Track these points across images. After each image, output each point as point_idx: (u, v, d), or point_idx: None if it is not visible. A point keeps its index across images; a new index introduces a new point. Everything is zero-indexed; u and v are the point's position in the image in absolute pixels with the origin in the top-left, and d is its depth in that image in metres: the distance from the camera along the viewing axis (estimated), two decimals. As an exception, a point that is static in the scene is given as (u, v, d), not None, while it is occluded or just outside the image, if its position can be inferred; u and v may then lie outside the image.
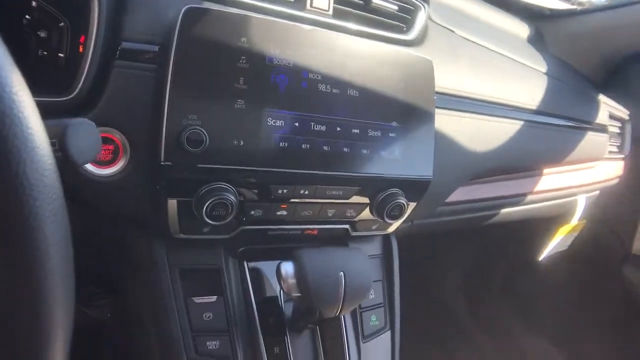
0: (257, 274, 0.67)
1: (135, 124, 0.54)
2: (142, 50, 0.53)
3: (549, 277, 1.43)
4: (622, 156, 1.21)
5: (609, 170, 1.19)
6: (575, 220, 1.17)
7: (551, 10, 1.28)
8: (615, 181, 1.21)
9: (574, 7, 1.28)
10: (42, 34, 0.60)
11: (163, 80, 0.51)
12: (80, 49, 0.61)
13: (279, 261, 0.57)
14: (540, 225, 1.21)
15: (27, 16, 0.59)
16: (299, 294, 0.55)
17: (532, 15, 1.28)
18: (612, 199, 1.24)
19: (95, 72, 0.51)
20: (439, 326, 1.58)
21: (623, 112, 1.21)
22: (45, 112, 0.30)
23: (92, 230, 0.64)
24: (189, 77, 0.52)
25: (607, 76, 1.29)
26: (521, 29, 1.22)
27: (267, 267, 0.68)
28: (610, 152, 1.17)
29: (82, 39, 0.61)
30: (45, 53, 0.61)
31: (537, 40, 1.25)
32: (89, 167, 0.54)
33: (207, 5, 0.56)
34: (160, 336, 0.62)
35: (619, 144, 1.21)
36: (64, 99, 0.50)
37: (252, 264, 0.68)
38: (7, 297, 0.26)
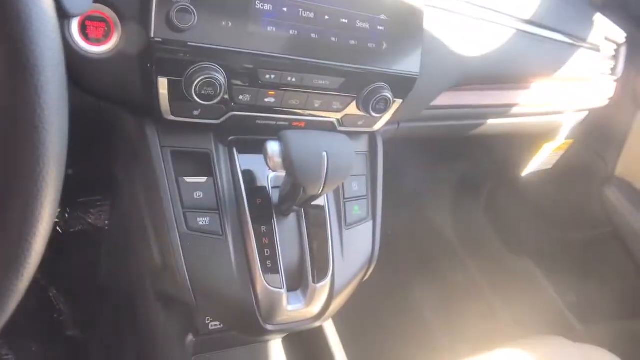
0: (246, 163, 0.71)
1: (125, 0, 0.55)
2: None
3: (531, 197, 1.47)
4: (615, 78, 1.22)
5: (600, 91, 1.21)
6: (561, 139, 1.20)
7: None
8: (605, 103, 1.23)
9: None
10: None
11: None
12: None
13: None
14: (524, 143, 1.24)
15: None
16: (284, 171, 0.58)
17: None
18: (600, 120, 1.26)
19: None
20: (429, 245, 1.65)
21: (619, 34, 1.20)
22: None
23: (85, 116, 0.67)
24: (178, -46, 0.53)
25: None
26: None
27: (256, 159, 0.71)
28: (602, 73, 1.18)
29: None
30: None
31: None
32: (82, 43, 0.55)
33: None
34: (153, 213, 0.66)
35: (612, 66, 1.22)
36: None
37: (242, 155, 0.71)
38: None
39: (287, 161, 0.57)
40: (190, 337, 0.83)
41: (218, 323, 0.82)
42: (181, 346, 0.83)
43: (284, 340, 0.92)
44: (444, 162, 1.54)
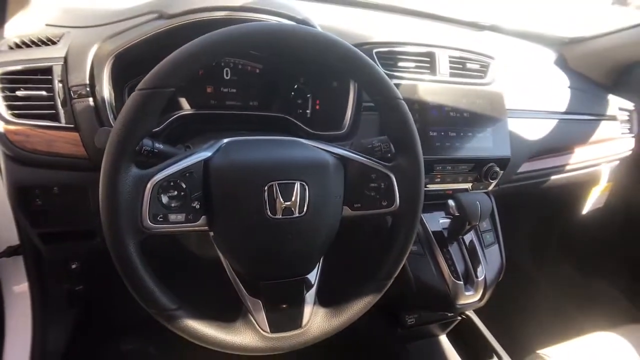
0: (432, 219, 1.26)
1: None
2: (372, 106, 1.13)
3: (594, 228, 1.94)
4: (632, 135, 1.76)
5: (624, 146, 1.74)
6: (603, 183, 1.72)
7: (570, 37, 1.85)
8: (629, 153, 1.75)
9: (586, 34, 1.84)
10: (300, 101, 1.23)
11: None
12: (317, 107, 1.23)
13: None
14: (578, 189, 1.75)
15: (292, 93, 1.22)
16: (458, 214, 1.12)
17: (554, 42, 1.86)
18: (630, 166, 1.78)
19: (354, 118, 1.11)
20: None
21: (629, 105, 1.75)
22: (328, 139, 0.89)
23: None
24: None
25: (615, 80, 1.83)
26: (548, 54, 1.80)
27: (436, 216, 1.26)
28: (623, 133, 1.72)
29: (317, 102, 1.23)
30: (300, 112, 1.23)
31: (560, 61, 1.82)
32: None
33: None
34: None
35: (629, 127, 1.75)
36: (339, 132, 1.11)
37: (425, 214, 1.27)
38: None
39: (461, 209, 1.11)
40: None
41: (413, 320, 1.34)
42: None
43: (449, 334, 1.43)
44: (523, 211, 2.05)
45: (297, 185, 0.73)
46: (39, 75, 0.92)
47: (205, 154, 0.73)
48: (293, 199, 0.73)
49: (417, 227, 0.85)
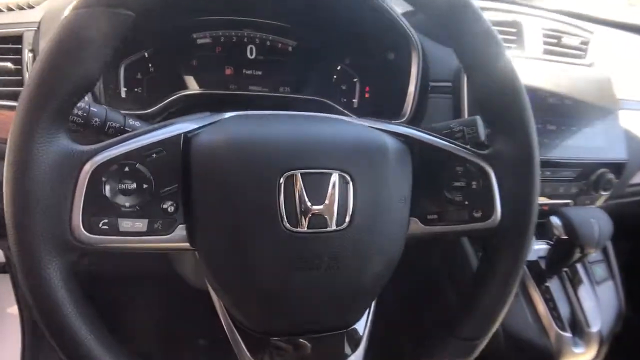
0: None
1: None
2: (443, 86, 0.84)
3: None
4: None
5: None
6: None
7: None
8: None
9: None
10: (344, 87, 0.94)
11: (459, 102, 0.82)
12: (366, 95, 0.95)
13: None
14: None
15: (334, 76, 0.94)
16: (566, 237, 0.80)
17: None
18: None
19: (417, 102, 0.82)
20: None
21: None
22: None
23: None
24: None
25: None
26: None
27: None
28: None
29: (367, 89, 0.94)
30: (345, 100, 0.95)
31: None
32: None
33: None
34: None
35: None
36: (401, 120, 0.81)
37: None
38: None
39: (570, 230, 0.79)
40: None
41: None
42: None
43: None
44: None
45: (335, 178, 0.45)
46: (9, 44, 0.76)
47: (188, 126, 0.45)
48: (328, 200, 0.44)
49: (527, 254, 0.54)
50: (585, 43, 0.99)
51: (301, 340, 0.50)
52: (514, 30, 0.93)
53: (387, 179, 0.47)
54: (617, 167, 0.93)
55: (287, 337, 0.50)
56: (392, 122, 0.55)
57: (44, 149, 0.39)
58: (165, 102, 0.77)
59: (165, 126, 0.45)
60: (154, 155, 0.43)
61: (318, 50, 0.92)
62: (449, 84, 0.83)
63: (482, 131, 0.60)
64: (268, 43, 0.92)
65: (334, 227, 0.44)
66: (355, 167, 0.45)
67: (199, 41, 0.88)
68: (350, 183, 0.45)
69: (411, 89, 0.80)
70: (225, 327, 0.50)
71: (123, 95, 0.83)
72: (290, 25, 0.91)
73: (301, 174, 0.43)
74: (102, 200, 0.42)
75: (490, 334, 0.55)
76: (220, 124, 0.47)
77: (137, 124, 0.54)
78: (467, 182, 0.52)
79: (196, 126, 0.46)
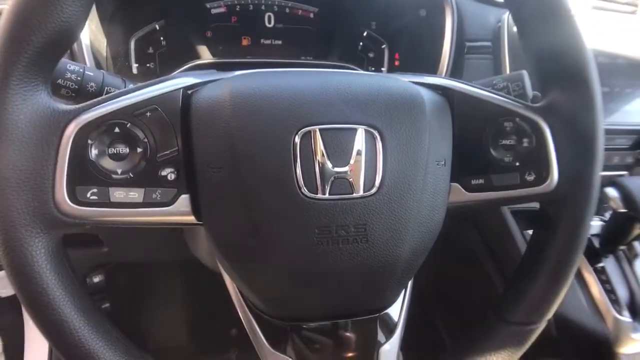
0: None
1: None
2: (480, 45, 0.75)
3: None
4: None
5: None
6: None
7: None
8: None
9: None
10: (371, 55, 0.87)
11: (500, 63, 0.73)
12: (396, 63, 0.87)
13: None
14: None
15: (360, 43, 0.86)
16: (626, 209, 0.71)
17: None
18: None
19: (453, 64, 0.74)
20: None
21: None
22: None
23: None
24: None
25: None
26: None
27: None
28: None
29: (396, 56, 0.86)
30: (373, 70, 0.87)
31: None
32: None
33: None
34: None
35: None
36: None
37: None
38: None
39: (630, 201, 0.70)
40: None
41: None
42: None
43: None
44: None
45: (361, 135, 0.38)
46: None
47: (188, 81, 0.39)
48: (352, 161, 0.37)
49: (589, 225, 0.46)
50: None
51: (327, 326, 0.44)
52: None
53: (423, 136, 0.40)
54: (679, 133, 0.83)
55: (310, 324, 0.44)
56: (429, 74, 0.48)
57: (18, 107, 0.33)
58: (176, 72, 0.71)
59: (161, 81, 0.39)
60: (148, 114, 0.37)
61: (342, 15, 0.85)
62: (488, 43, 0.75)
63: (529, 86, 0.52)
64: (287, 10, 0.85)
65: (360, 193, 0.37)
66: (384, 122, 0.38)
67: (214, 11, 0.82)
68: (380, 140, 0.38)
69: (445, 49, 0.73)
70: (240, 315, 0.44)
71: (134, 71, 0.78)
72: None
73: (320, 130, 0.37)
74: (89, 166, 0.36)
75: (547, 317, 0.48)
76: (225, 80, 0.40)
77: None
78: (518, 140, 0.44)
79: (198, 81, 0.40)
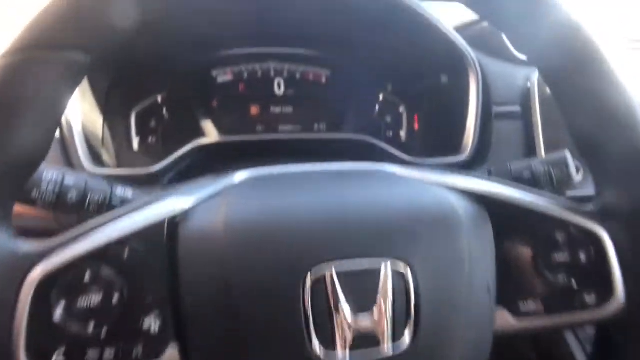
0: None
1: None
2: (509, 111, 0.68)
3: None
4: None
5: None
6: None
7: None
8: None
9: None
10: (388, 119, 0.81)
11: (532, 130, 0.66)
12: (416, 127, 0.80)
13: None
14: None
15: (376, 107, 0.80)
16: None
17: None
18: None
19: (480, 132, 0.66)
20: None
21: None
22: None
23: None
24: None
25: None
26: None
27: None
28: None
29: (415, 117, 0.80)
30: (391, 134, 0.81)
31: None
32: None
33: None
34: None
35: None
36: (458, 159, 0.66)
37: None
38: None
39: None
40: None
41: None
42: None
43: None
44: None
45: (387, 271, 0.30)
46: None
47: (176, 206, 0.33)
48: (377, 307, 0.30)
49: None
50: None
51: None
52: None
53: (462, 263, 0.33)
54: None
55: None
56: (457, 170, 0.41)
57: None
58: (176, 156, 0.65)
59: (145, 205, 0.32)
60: (125, 253, 0.31)
61: (356, 78, 0.79)
62: (517, 107, 0.68)
63: (574, 171, 0.45)
64: (298, 75, 0.80)
65: (389, 349, 0.30)
66: (414, 251, 0.31)
67: (220, 79, 0.77)
68: (410, 275, 0.31)
69: (471, 117, 0.65)
70: None
71: (135, 147, 0.73)
72: (322, 53, 0.79)
73: (336, 268, 0.30)
74: (53, 326, 0.29)
75: None
76: (222, 196, 0.34)
77: (129, 194, 0.42)
78: (572, 254, 0.37)
79: (188, 205, 0.33)
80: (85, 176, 0.41)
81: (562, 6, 0.35)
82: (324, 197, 0.34)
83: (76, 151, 0.58)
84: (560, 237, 0.37)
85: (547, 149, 0.64)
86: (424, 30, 0.63)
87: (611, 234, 0.37)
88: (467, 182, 0.38)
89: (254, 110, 0.79)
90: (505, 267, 0.36)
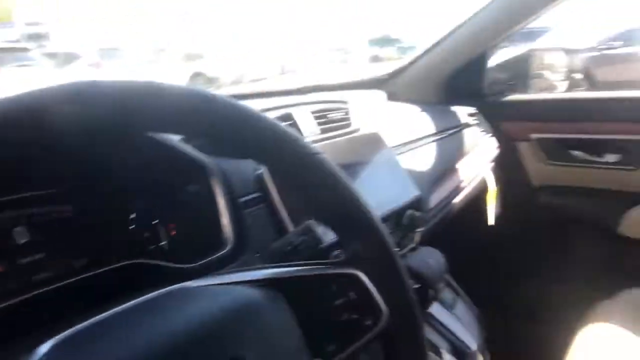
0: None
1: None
2: (252, 198, 0.81)
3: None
4: (490, 134, 1.73)
5: (490, 146, 1.70)
6: (492, 188, 1.62)
7: (388, 73, 1.81)
8: (497, 152, 1.71)
9: (404, 63, 1.81)
10: (147, 234, 0.84)
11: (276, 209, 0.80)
12: (173, 233, 0.86)
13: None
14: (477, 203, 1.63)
15: (130, 227, 0.83)
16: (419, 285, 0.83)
17: (378, 83, 1.79)
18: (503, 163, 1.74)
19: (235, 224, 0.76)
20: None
21: (472, 109, 1.73)
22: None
23: None
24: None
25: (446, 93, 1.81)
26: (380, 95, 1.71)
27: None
28: (483, 135, 1.68)
29: (171, 226, 0.86)
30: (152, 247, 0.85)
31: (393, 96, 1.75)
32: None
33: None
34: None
35: (483, 129, 1.72)
36: (223, 252, 0.75)
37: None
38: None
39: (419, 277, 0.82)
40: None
41: None
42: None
43: None
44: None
45: None
46: None
47: None
48: None
49: (424, 333, 0.53)
50: (347, 112, 1.10)
51: None
52: (289, 122, 0.97)
53: (278, 340, 0.41)
54: (418, 202, 1.03)
55: None
56: (241, 269, 0.49)
57: None
58: None
59: None
60: None
61: (101, 206, 0.80)
62: (258, 193, 0.81)
63: (321, 233, 0.59)
64: (40, 217, 0.76)
65: None
66: (245, 345, 0.38)
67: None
68: None
69: (223, 214, 0.75)
70: None
71: None
72: (59, 190, 0.77)
73: None
74: None
75: None
76: None
77: None
78: (346, 296, 0.49)
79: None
80: None
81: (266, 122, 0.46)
82: (142, 336, 0.37)
83: None
84: (333, 287, 0.49)
85: (295, 220, 0.79)
86: (163, 151, 0.70)
87: (364, 271, 0.50)
88: (253, 274, 0.47)
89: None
90: (307, 327, 0.46)
